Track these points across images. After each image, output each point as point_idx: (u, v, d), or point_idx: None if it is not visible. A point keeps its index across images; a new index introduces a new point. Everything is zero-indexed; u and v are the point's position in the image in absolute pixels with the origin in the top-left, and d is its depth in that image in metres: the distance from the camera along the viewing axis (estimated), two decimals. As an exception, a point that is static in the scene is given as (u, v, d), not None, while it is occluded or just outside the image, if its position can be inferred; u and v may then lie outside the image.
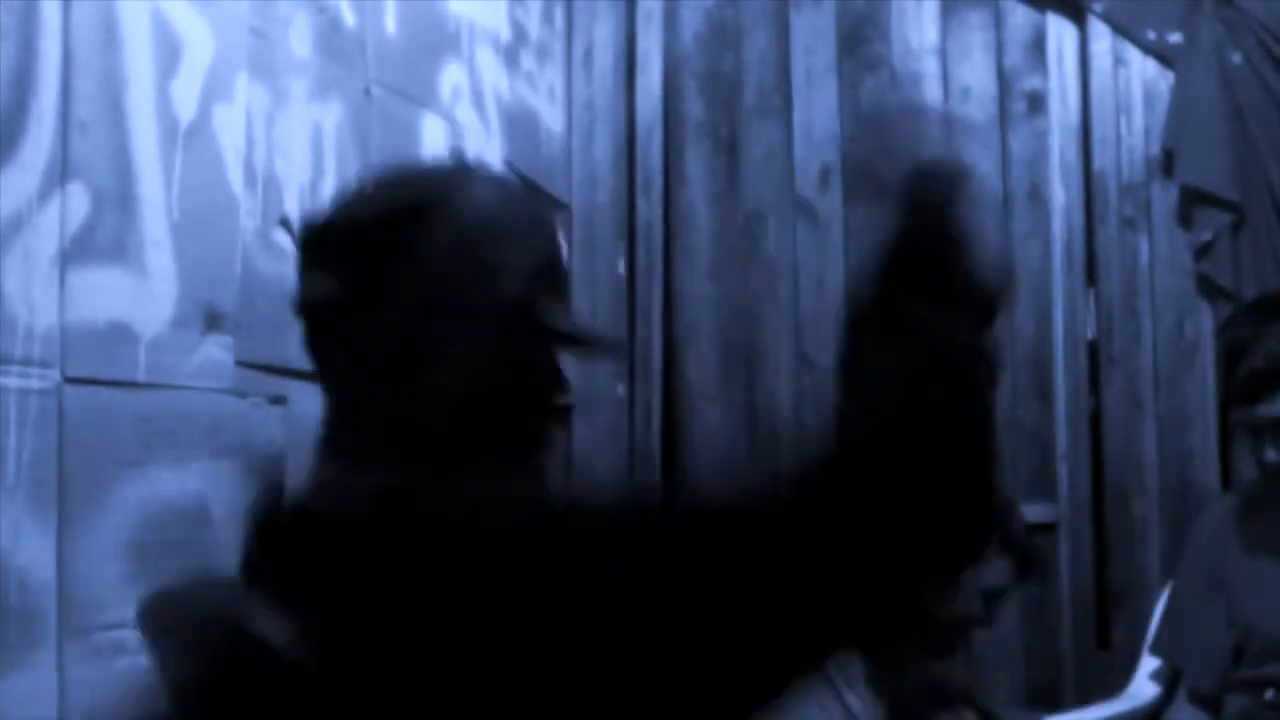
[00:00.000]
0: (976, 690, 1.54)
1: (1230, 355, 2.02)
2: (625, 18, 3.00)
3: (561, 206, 2.91)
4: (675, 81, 3.03)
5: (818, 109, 3.00)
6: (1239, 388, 1.99)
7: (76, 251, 1.40)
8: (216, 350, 1.64)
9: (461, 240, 1.05)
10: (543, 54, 2.80)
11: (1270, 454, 1.97)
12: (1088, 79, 2.94)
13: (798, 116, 3.01)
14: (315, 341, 1.12)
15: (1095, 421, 2.90)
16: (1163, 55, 2.89)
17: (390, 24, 2.13)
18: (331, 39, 1.95)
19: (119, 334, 1.47)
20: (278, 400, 1.78)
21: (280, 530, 1.08)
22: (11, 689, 1.29)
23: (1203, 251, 2.83)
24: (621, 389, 2.92)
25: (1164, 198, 2.90)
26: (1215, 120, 2.80)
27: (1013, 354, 2.95)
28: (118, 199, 1.48)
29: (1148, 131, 2.91)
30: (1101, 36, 2.92)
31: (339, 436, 1.08)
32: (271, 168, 1.78)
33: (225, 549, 1.64)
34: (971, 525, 1.06)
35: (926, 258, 0.97)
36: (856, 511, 0.92)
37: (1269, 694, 2.00)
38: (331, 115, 1.94)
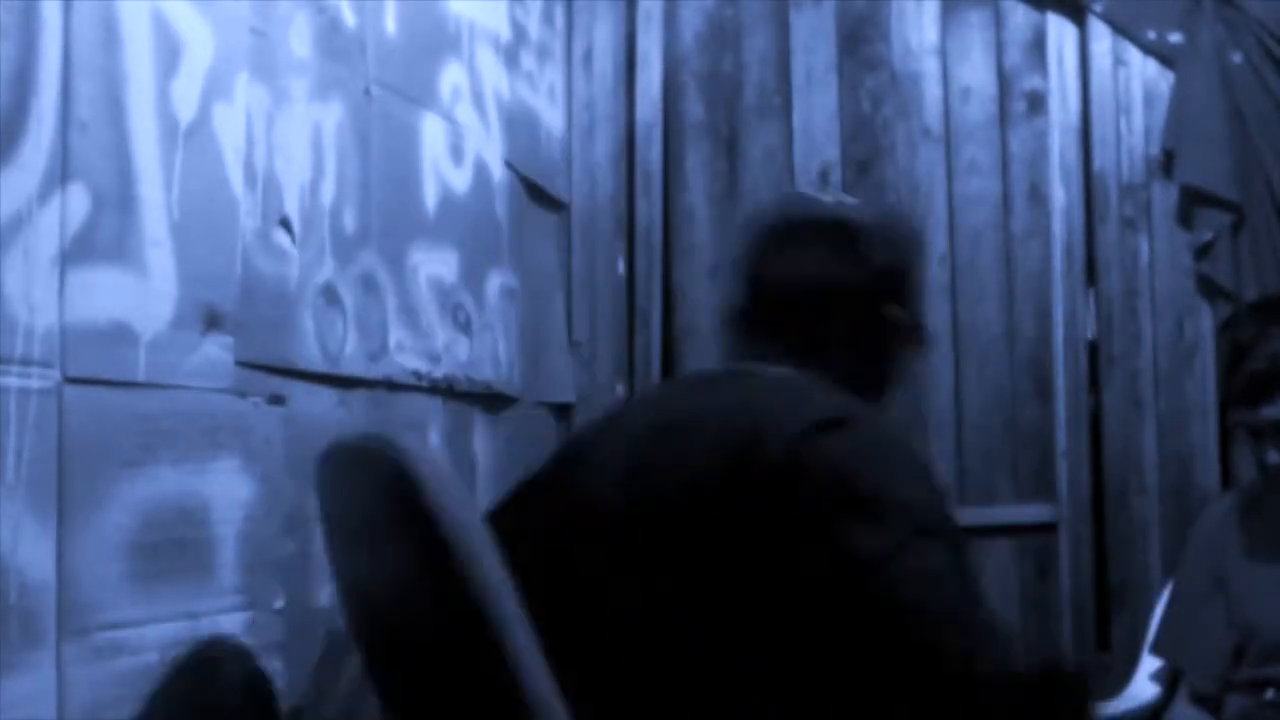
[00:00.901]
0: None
1: (1231, 356, 2.02)
2: (625, 18, 3.00)
3: (561, 206, 2.91)
4: (675, 81, 3.03)
5: (818, 109, 3.00)
6: (1240, 389, 1.98)
7: (77, 251, 1.40)
8: (216, 350, 1.64)
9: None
10: (543, 54, 2.80)
11: (1272, 456, 1.97)
12: (1088, 79, 2.93)
13: (798, 116, 3.01)
14: None
15: (1095, 421, 2.90)
16: (1163, 55, 2.89)
17: (390, 24, 2.13)
18: (331, 39, 1.95)
19: (119, 334, 1.47)
20: (278, 400, 1.78)
21: None
22: (11, 689, 1.29)
23: (1203, 251, 2.83)
24: (621, 389, 2.92)
25: (1164, 198, 2.90)
26: (1215, 120, 2.80)
27: (1013, 354, 2.95)
28: (118, 199, 1.48)
29: (1148, 131, 2.91)
30: (1101, 36, 2.92)
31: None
32: (271, 168, 1.78)
33: (222, 548, 1.64)
34: None
35: None
36: None
37: (1269, 694, 2.00)
38: (331, 115, 1.94)
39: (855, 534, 1.14)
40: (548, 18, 2.84)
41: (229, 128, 1.69)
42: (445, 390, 2.27)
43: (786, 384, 1.34)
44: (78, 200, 1.41)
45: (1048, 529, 2.89)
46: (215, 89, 1.66)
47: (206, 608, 1.60)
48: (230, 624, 1.64)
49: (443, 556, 1.05)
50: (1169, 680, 2.32)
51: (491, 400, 2.47)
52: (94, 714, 1.40)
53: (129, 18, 1.51)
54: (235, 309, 1.68)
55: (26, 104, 1.34)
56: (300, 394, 1.84)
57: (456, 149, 2.34)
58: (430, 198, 2.24)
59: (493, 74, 2.52)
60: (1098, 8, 2.91)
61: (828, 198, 1.62)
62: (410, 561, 1.10)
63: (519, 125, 2.64)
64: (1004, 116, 2.99)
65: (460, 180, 2.36)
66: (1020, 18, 3.00)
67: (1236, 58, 2.81)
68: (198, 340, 1.61)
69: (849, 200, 1.54)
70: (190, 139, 1.61)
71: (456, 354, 2.31)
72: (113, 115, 1.48)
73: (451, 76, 2.33)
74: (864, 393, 1.38)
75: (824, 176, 3.00)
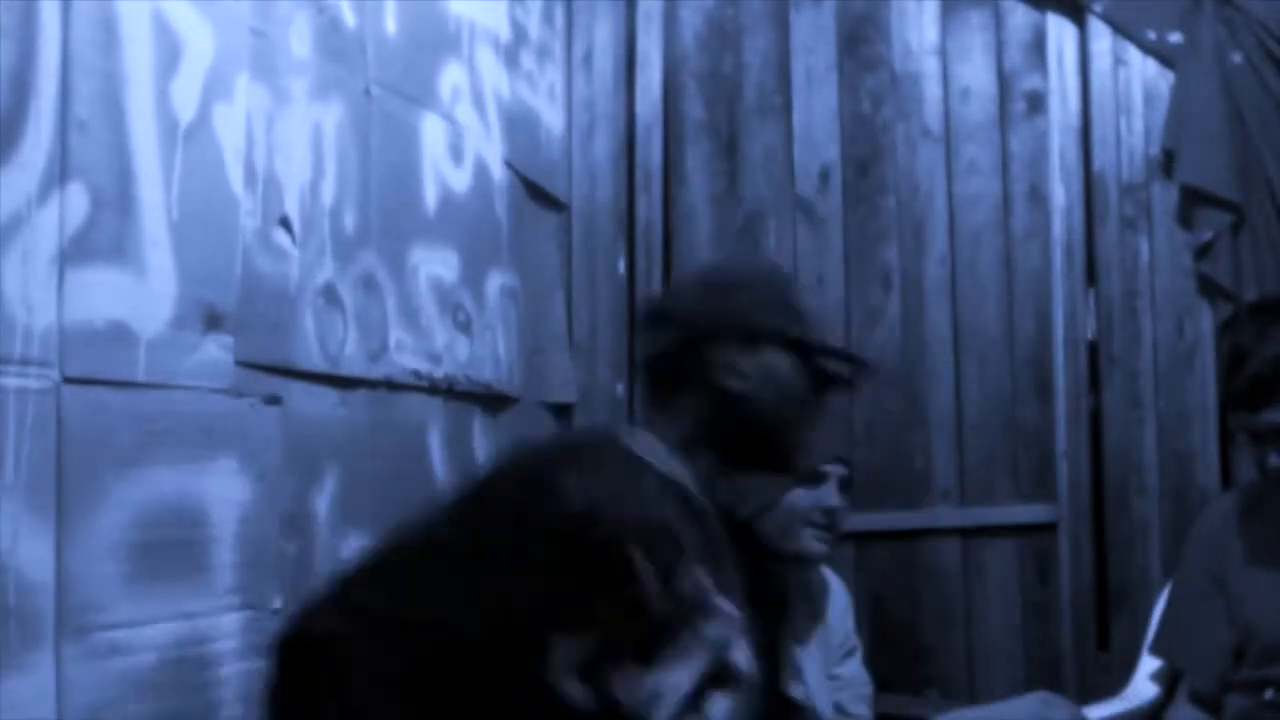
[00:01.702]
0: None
1: (1231, 359, 2.01)
2: (625, 18, 3.00)
3: (561, 206, 2.91)
4: (675, 81, 3.03)
5: (818, 109, 3.00)
6: (1240, 393, 1.98)
7: (76, 251, 1.40)
8: (216, 350, 1.64)
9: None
10: (543, 54, 2.80)
11: (1273, 459, 1.96)
12: (1088, 79, 2.93)
13: (798, 116, 3.01)
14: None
15: (1095, 421, 2.90)
16: (1163, 55, 2.89)
17: (390, 24, 2.13)
18: (331, 39, 1.95)
19: (118, 334, 1.47)
20: (277, 400, 1.78)
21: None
22: (10, 689, 1.29)
23: (1203, 251, 2.83)
24: (621, 389, 2.92)
25: (1164, 198, 2.90)
26: (1215, 120, 2.80)
27: (1013, 354, 2.95)
28: (117, 199, 1.47)
29: (1148, 131, 2.91)
30: (1101, 36, 2.92)
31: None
32: (271, 168, 1.78)
33: (221, 548, 1.64)
34: None
35: None
36: None
37: (1269, 694, 2.00)
38: (331, 115, 1.94)
39: None
40: (548, 18, 2.84)
41: (229, 128, 1.69)
42: (445, 390, 2.27)
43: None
44: (77, 200, 1.41)
45: (1048, 529, 2.89)
46: (215, 89, 1.66)
47: (205, 608, 1.60)
48: (229, 624, 1.64)
49: None
50: (1169, 680, 2.32)
51: (491, 400, 2.47)
52: (93, 714, 1.40)
53: (129, 18, 1.51)
54: (235, 309, 1.68)
55: (26, 104, 1.34)
56: (300, 394, 1.84)
57: (456, 149, 2.34)
58: (430, 198, 2.24)
59: (493, 74, 2.52)
60: (1098, 8, 2.91)
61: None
62: None
63: (519, 125, 2.64)
64: (1004, 116, 2.99)
65: (460, 180, 2.36)
66: (1020, 18, 3.00)
67: (1236, 58, 2.81)
68: (197, 340, 1.61)
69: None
70: (190, 139, 1.61)
71: (456, 354, 2.31)
72: (112, 115, 1.48)
73: (451, 76, 2.33)
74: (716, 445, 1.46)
75: (824, 176, 3.00)
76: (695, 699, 1.30)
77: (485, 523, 1.33)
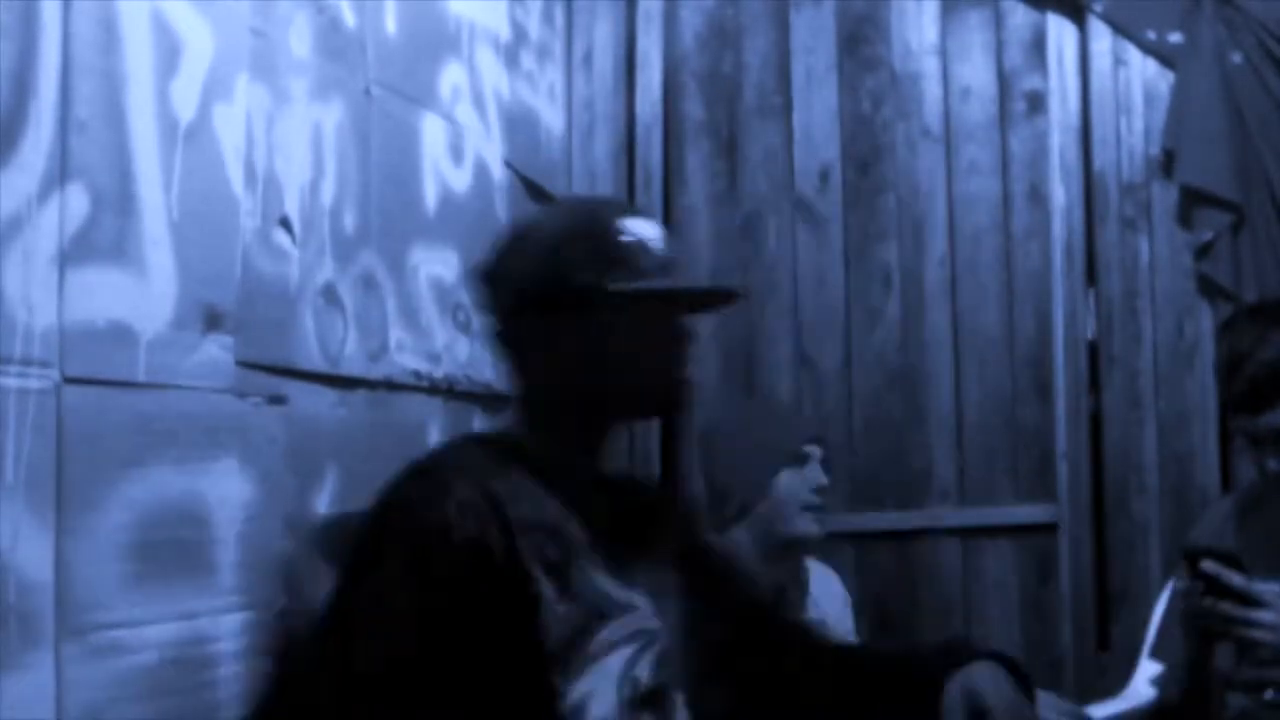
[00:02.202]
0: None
1: (1229, 363, 2.01)
2: (625, 18, 3.00)
3: (561, 206, 2.91)
4: (675, 81, 3.03)
5: (818, 109, 3.00)
6: (1240, 396, 1.97)
7: (76, 251, 1.40)
8: (216, 350, 1.64)
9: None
10: (543, 54, 2.80)
11: (1272, 463, 1.96)
12: (1088, 79, 2.93)
13: (798, 116, 3.01)
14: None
15: (1095, 421, 2.90)
16: (1163, 55, 2.89)
17: (390, 24, 2.13)
18: (331, 39, 1.95)
19: (119, 334, 1.47)
20: (278, 400, 1.78)
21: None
22: (9, 689, 1.29)
23: (1203, 251, 2.83)
24: (621, 389, 2.92)
25: (1164, 198, 2.90)
26: (1215, 120, 2.80)
27: (1013, 354, 2.95)
28: (117, 199, 1.47)
29: (1148, 131, 2.91)
30: (1101, 36, 2.92)
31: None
32: (271, 168, 1.78)
33: (222, 548, 1.64)
34: None
35: None
36: None
37: (1269, 694, 2.00)
38: (331, 115, 1.94)
39: None
40: (548, 18, 2.84)
41: (229, 128, 1.69)
42: (445, 390, 2.27)
43: None
44: (77, 200, 1.41)
45: (1048, 529, 2.89)
46: (215, 89, 1.66)
47: (206, 608, 1.60)
48: (230, 624, 1.64)
49: None
50: (1169, 683, 2.31)
51: (491, 400, 2.47)
52: (93, 714, 1.40)
53: (129, 18, 1.50)
54: (235, 309, 1.68)
55: (26, 104, 1.34)
56: (300, 394, 1.84)
57: (456, 149, 2.34)
58: (430, 198, 2.24)
59: (493, 74, 2.52)
60: (1098, 8, 2.91)
61: None
62: None
63: (519, 125, 2.64)
64: (1004, 116, 2.99)
65: (460, 180, 2.36)
66: (1020, 18, 3.00)
67: (1236, 58, 2.81)
68: (198, 340, 1.61)
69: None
70: (190, 139, 1.61)
71: (456, 354, 2.31)
72: (112, 115, 1.47)
73: (451, 76, 2.33)
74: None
75: (824, 176, 3.00)
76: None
77: (379, 580, 1.25)
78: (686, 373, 1.42)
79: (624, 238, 1.38)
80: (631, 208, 1.54)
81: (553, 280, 1.36)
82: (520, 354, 1.41)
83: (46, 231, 1.36)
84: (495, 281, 1.42)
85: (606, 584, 1.33)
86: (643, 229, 1.40)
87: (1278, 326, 1.96)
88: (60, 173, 1.38)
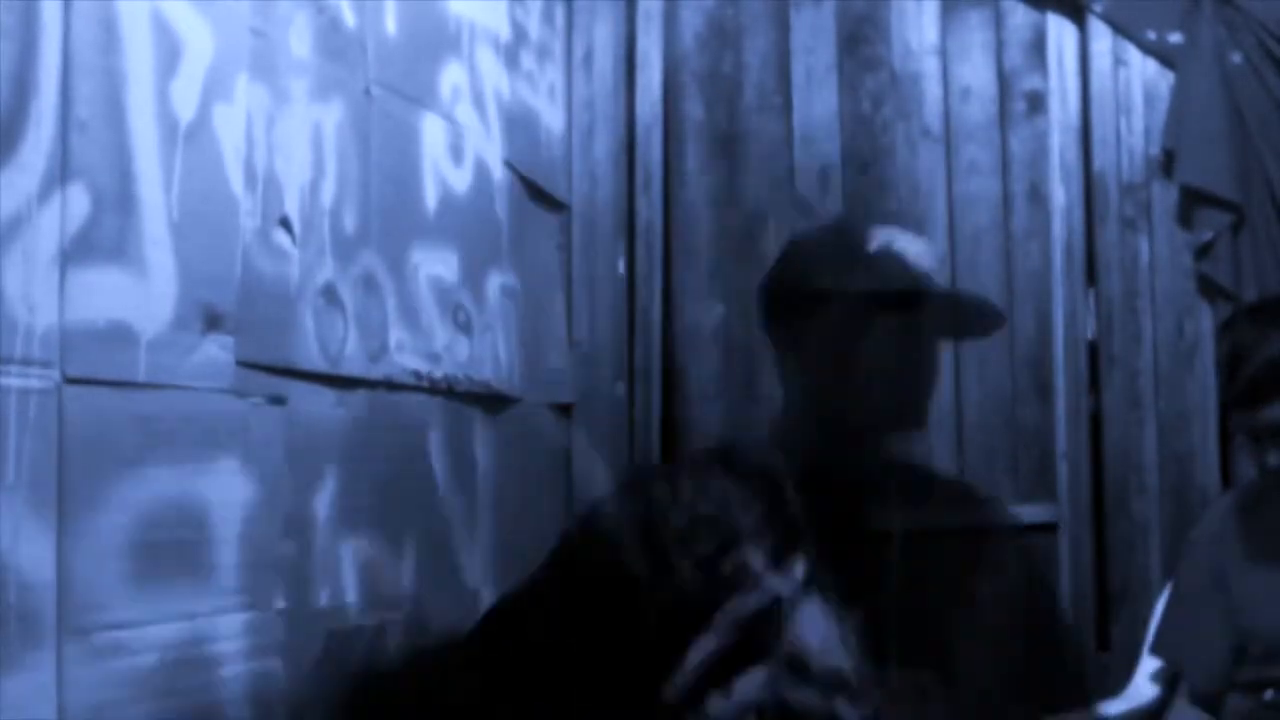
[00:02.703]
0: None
1: (1231, 359, 2.01)
2: (625, 18, 3.00)
3: (561, 206, 2.91)
4: (675, 81, 3.03)
5: (818, 109, 3.00)
6: (1240, 392, 1.98)
7: (76, 251, 1.40)
8: (216, 350, 1.64)
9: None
10: (543, 54, 2.80)
11: (1272, 458, 1.96)
12: (1088, 79, 2.93)
13: (798, 116, 3.01)
14: None
15: (1095, 421, 2.90)
16: (1163, 55, 2.89)
17: (390, 24, 2.13)
18: (331, 39, 1.95)
19: (119, 334, 1.47)
20: (278, 400, 1.78)
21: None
22: (10, 689, 1.29)
23: (1203, 251, 2.83)
24: (621, 389, 2.92)
25: (1164, 198, 2.90)
26: (1215, 120, 2.80)
27: (1013, 354, 2.95)
28: (118, 199, 1.47)
29: (1148, 131, 2.91)
30: (1101, 36, 2.92)
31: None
32: (271, 168, 1.78)
33: (223, 548, 1.64)
34: None
35: None
36: None
37: (1269, 694, 2.00)
38: (331, 115, 1.94)
39: None
40: (548, 18, 2.84)
41: (229, 128, 1.69)
42: (445, 390, 2.27)
43: None
44: (77, 200, 1.41)
45: (1048, 529, 2.89)
46: (215, 89, 1.66)
47: (207, 608, 1.60)
48: (230, 624, 1.64)
49: None
50: (1169, 680, 2.32)
51: (491, 400, 2.47)
52: (94, 714, 1.40)
53: (129, 18, 1.50)
54: (235, 309, 1.68)
55: (26, 104, 1.34)
56: (300, 394, 1.84)
57: (456, 149, 2.34)
58: (430, 198, 2.24)
59: (493, 74, 2.51)
60: (1098, 8, 2.91)
61: None
62: None
63: (519, 125, 2.64)
64: (1004, 116, 2.99)
65: (460, 180, 2.36)
66: (1020, 18, 3.00)
67: (1236, 58, 2.81)
68: (198, 340, 1.61)
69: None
70: (190, 139, 1.61)
71: (456, 354, 2.31)
72: (113, 115, 1.47)
73: (451, 76, 2.33)
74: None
75: (824, 176, 3.00)
76: (722, 672, 1.31)
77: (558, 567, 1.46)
78: (916, 390, 1.42)
79: (871, 245, 1.40)
80: (896, 222, 1.59)
81: (796, 283, 1.43)
82: (776, 358, 1.47)
83: (47, 231, 1.36)
84: (761, 290, 1.50)
85: (756, 565, 1.35)
86: (895, 239, 1.41)
87: (1278, 324, 1.96)
88: (60, 173, 1.38)
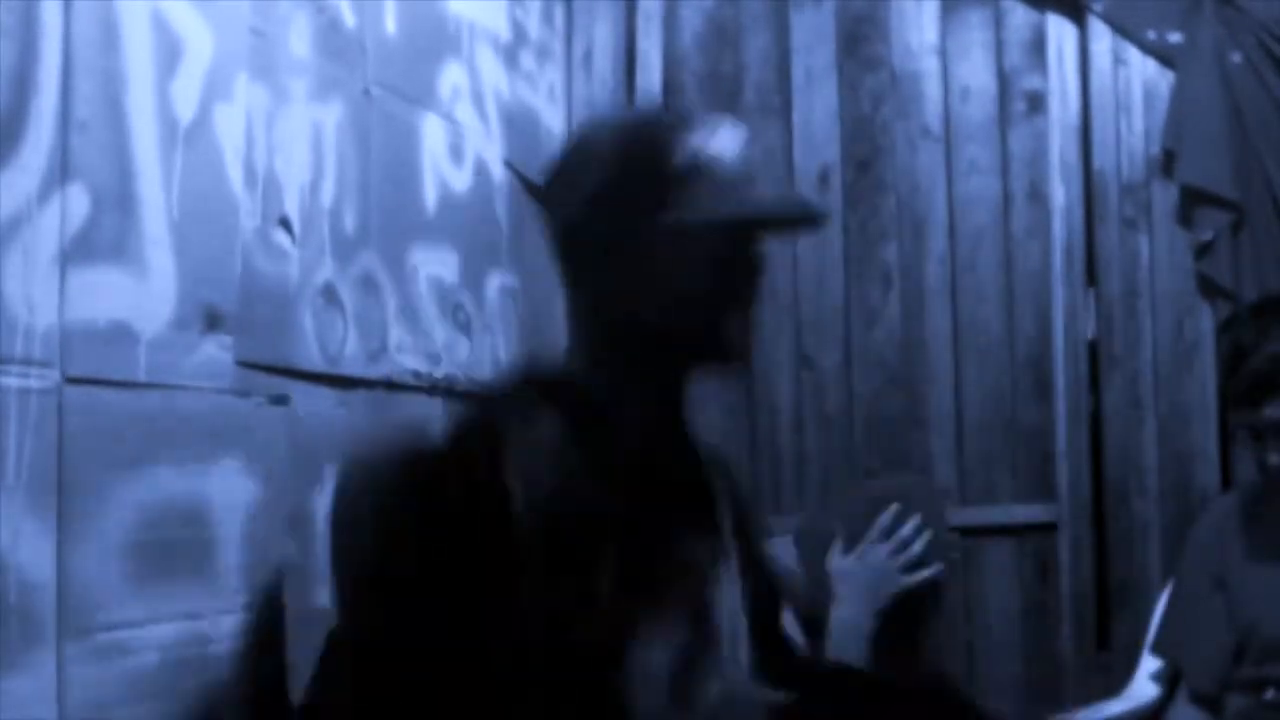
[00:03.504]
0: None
1: (1232, 357, 2.02)
2: (625, 18, 3.00)
3: (561, 206, 2.91)
4: (675, 81, 3.03)
5: (818, 109, 3.00)
6: (1241, 390, 1.98)
7: (76, 251, 1.40)
8: (216, 350, 1.64)
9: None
10: (543, 54, 2.80)
11: (1272, 457, 1.97)
12: (1088, 79, 2.93)
13: (798, 116, 3.01)
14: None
15: (1095, 421, 2.90)
16: (1163, 55, 2.89)
17: (390, 24, 2.13)
18: (331, 39, 1.95)
19: (119, 334, 1.47)
20: (278, 400, 1.78)
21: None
22: (11, 689, 1.29)
23: (1203, 251, 2.83)
24: (621, 389, 2.92)
25: (1164, 198, 2.90)
26: (1215, 120, 2.80)
27: (1013, 354, 2.95)
28: (118, 199, 1.47)
29: (1148, 131, 2.91)
30: (1101, 36, 2.92)
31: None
32: (271, 168, 1.78)
33: (224, 548, 1.64)
34: None
35: None
36: None
37: (1269, 694, 2.00)
38: (331, 115, 1.94)
39: None
40: (548, 18, 2.84)
41: (229, 128, 1.69)
42: (445, 390, 2.27)
43: None
44: (77, 200, 1.41)
45: (1048, 529, 2.89)
46: (215, 89, 1.66)
47: (207, 608, 1.60)
48: (231, 625, 1.64)
49: None
50: (1169, 680, 2.32)
51: (491, 400, 2.46)
52: (95, 714, 1.40)
53: (129, 18, 1.50)
54: (235, 309, 1.68)
55: (26, 104, 1.34)
56: (300, 394, 1.84)
57: (456, 149, 2.34)
58: (430, 198, 2.24)
59: (493, 74, 2.52)
60: (1098, 8, 2.91)
61: None
62: None
63: (519, 125, 2.64)
64: (1004, 116, 2.99)
65: (460, 180, 2.36)
66: (1020, 18, 3.00)
67: (1236, 58, 2.81)
68: (198, 340, 1.61)
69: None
70: (190, 139, 1.61)
71: (456, 354, 2.31)
72: (113, 115, 1.48)
73: (451, 76, 2.33)
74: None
75: (824, 176, 3.00)
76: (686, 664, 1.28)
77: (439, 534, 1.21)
78: (747, 311, 1.31)
79: (680, 160, 1.27)
80: (698, 117, 1.35)
81: (601, 209, 1.28)
82: (573, 290, 1.34)
83: (47, 231, 1.36)
84: (548, 210, 1.36)
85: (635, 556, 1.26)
86: (705, 145, 1.29)
87: (1279, 323, 1.97)
88: (61, 173, 1.38)
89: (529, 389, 1.33)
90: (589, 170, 1.31)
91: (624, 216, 1.27)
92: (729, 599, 1.37)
